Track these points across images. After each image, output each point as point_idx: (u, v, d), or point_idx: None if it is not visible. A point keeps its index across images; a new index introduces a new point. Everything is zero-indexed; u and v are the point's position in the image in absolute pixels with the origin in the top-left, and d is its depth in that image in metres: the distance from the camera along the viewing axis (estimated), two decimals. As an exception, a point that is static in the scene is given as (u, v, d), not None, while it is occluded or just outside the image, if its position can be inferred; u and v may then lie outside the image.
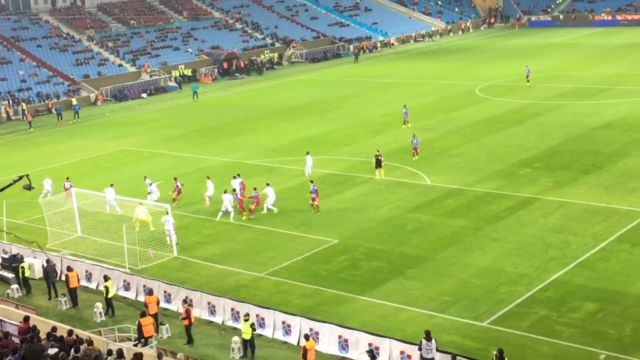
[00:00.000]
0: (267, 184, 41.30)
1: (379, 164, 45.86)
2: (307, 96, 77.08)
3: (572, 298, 29.46)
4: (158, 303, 29.84)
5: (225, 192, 41.13)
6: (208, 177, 44.20)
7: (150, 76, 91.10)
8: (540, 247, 34.41)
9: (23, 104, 79.63)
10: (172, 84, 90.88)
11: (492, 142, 52.82)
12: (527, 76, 73.49)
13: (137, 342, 27.33)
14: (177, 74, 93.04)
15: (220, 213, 40.54)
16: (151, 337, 27.56)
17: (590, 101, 63.81)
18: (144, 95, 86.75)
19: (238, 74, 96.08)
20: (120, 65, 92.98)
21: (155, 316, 28.94)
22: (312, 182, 41.15)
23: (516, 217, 38.28)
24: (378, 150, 46.79)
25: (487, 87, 73.73)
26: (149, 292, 30.14)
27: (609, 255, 33.08)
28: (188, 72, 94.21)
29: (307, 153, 47.84)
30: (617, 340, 26.18)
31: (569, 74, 77.90)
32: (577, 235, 35.43)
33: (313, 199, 40.56)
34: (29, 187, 34.28)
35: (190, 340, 28.28)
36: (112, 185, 43.11)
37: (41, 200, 42.07)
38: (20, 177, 33.40)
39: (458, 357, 23.95)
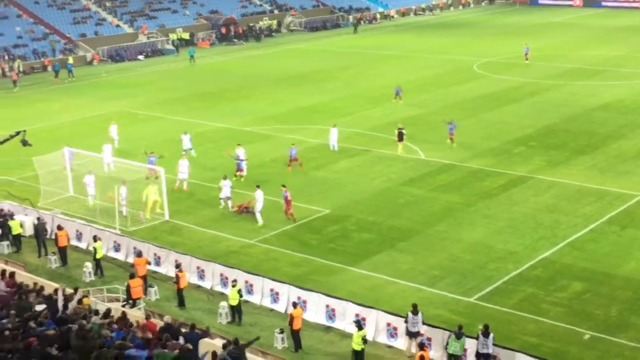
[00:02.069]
0: (258, 186, 36.36)
1: (401, 137, 45.13)
2: (305, 65, 76.71)
3: (560, 277, 29.62)
4: (148, 263, 29.91)
5: (224, 177, 38.10)
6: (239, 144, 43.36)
7: (148, 38, 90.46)
8: (531, 225, 34.51)
9: (18, 60, 79.13)
10: (170, 47, 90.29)
11: (488, 119, 52.76)
12: (525, 54, 73.24)
13: (125, 303, 27.42)
14: (175, 37, 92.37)
15: (222, 202, 37.84)
16: (139, 298, 27.64)
17: (588, 82, 63.68)
18: (140, 57, 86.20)
19: (236, 40, 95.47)
20: (117, 25, 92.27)
21: (144, 278, 29.01)
22: (284, 186, 36.08)
23: (508, 194, 38.35)
24: (401, 124, 46.32)
25: (486, 63, 73.46)
26: (138, 254, 30.20)
27: (599, 237, 33.21)
28: (186, 36, 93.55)
29: (334, 125, 46.96)
30: (602, 321, 26.37)
31: (568, 53, 77.63)
32: (568, 215, 35.54)
33: (287, 209, 35.71)
34: (25, 143, 34.12)
35: (181, 303, 28.36)
36: (113, 142, 42.98)
37: (34, 158, 41.91)
38: (18, 133, 33.25)
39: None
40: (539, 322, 26.44)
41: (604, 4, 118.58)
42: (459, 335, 23.53)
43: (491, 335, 23.25)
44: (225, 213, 37.19)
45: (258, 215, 35.66)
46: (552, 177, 40.65)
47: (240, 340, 22.10)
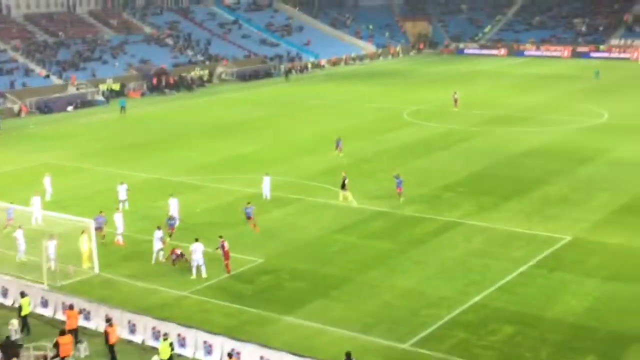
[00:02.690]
0: (196, 240, 35.51)
1: (343, 186, 45.26)
2: (237, 114, 76.91)
3: (491, 321, 30.01)
4: (77, 318, 29.21)
5: (158, 228, 37.53)
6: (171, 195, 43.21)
7: (77, 89, 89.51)
8: (462, 270, 34.99)
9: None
10: (100, 97, 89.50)
11: (418, 166, 53.62)
12: (455, 101, 75.04)
13: (53, 360, 26.67)
14: (105, 88, 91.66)
15: (155, 255, 37.05)
16: (68, 356, 26.91)
17: (514, 128, 65.43)
18: (70, 108, 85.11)
19: (167, 90, 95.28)
20: (46, 76, 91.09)
21: (74, 333, 28.31)
22: (221, 237, 35.74)
23: (439, 240, 38.88)
24: (344, 172, 46.49)
25: (415, 111, 74.88)
26: (70, 307, 29.43)
27: (528, 280, 33.86)
28: (116, 87, 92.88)
29: (266, 174, 46.91)
30: (533, 363, 26.79)
31: (493, 101, 79.75)
32: (497, 259, 36.18)
33: (225, 260, 35.40)
34: None
35: (113, 359, 27.72)
36: (44, 194, 42.26)
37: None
38: None
39: None
40: (472, 367, 26.70)
41: (526, 53, 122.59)
42: None
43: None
44: (158, 265, 36.67)
45: (202, 269, 34.88)
46: (481, 222, 41.42)
47: None
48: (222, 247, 35.17)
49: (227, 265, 35.20)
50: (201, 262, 34.91)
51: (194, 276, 34.91)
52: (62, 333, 27.26)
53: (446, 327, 29.71)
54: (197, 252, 34.98)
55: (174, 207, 42.12)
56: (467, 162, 54.01)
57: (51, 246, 35.56)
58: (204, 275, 34.82)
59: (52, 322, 30.89)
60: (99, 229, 38.39)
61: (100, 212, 40.40)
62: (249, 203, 41.91)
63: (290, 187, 48.79)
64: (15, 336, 29.74)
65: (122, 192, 44.93)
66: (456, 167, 52.92)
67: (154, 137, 67.11)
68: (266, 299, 32.58)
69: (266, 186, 46.28)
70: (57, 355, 26.68)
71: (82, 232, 36.47)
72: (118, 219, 39.93)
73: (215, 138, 65.66)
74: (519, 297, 32.18)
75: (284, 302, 32.20)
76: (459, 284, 33.54)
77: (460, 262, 35.93)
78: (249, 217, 41.20)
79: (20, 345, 27.75)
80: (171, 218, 40.64)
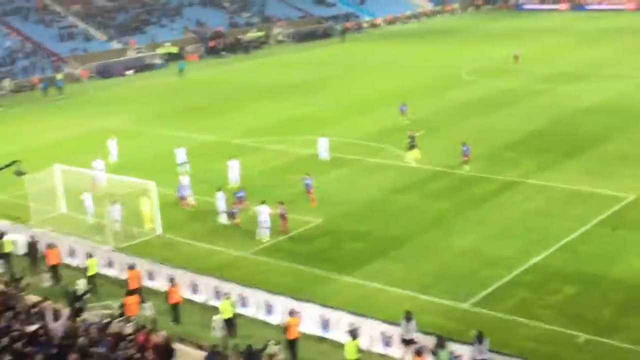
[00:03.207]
0: (263, 202, 35.70)
1: (412, 145, 45.02)
2: (293, 76, 76.89)
3: (552, 281, 29.74)
4: (140, 278, 29.81)
5: (219, 189, 38.21)
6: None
7: (136, 53, 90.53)
8: (522, 230, 34.64)
9: (6, 79, 79.09)
10: (158, 61, 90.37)
11: (477, 125, 52.96)
12: (515, 57, 73.88)
13: (119, 319, 27.33)
14: (163, 52, 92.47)
15: (224, 215, 37.68)
16: (133, 315, 27.58)
17: (575, 85, 64.05)
18: (129, 72, 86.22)
19: (224, 53, 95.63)
20: (106, 41, 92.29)
21: (138, 291, 28.93)
22: (281, 203, 35.60)
23: (499, 200, 38.50)
24: (411, 130, 46.23)
25: (474, 69, 73.78)
26: (131, 267, 30.06)
27: (589, 239, 33.38)
28: (174, 50, 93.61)
29: (323, 135, 46.77)
30: (595, 323, 26.46)
31: (554, 57, 78.05)
32: (558, 218, 35.69)
33: (282, 225, 35.61)
34: (20, 173, 34.13)
35: (176, 318, 28.32)
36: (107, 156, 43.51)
37: (25, 177, 41.82)
38: (12, 163, 33.24)
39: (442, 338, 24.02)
40: (533, 327, 26.52)
41: (588, 7, 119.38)
42: (442, 346, 23.61)
43: (486, 340, 23.34)
44: (218, 226, 37.18)
45: (266, 231, 35.16)
46: (542, 180, 40.85)
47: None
48: (282, 213, 35.28)
49: (284, 227, 35.44)
50: (267, 224, 35.22)
51: (260, 237, 35.16)
52: (129, 294, 27.98)
53: (506, 287, 29.54)
54: (263, 214, 35.25)
55: (234, 169, 42.49)
56: (527, 120, 53.15)
57: (115, 210, 36.37)
58: (267, 237, 35.13)
59: (117, 282, 31.65)
60: (239, 201, 37.64)
61: (240, 189, 39.51)
62: (307, 174, 39.96)
63: (348, 147, 48.75)
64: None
65: (180, 155, 45.48)
66: (516, 125, 52.13)
67: (212, 99, 67.61)
68: (325, 259, 32.78)
69: (322, 147, 46.32)
70: (122, 315, 27.36)
71: (142, 194, 37.12)
72: (186, 182, 40.32)
73: (272, 100, 65.83)
74: (581, 256, 31.77)
75: (343, 263, 32.38)
76: (519, 243, 33.24)
77: (520, 222, 35.56)
78: (308, 190, 39.25)
79: (84, 299, 28.63)
80: (239, 191, 38.77)
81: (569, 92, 61.76)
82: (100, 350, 21.47)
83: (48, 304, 25.79)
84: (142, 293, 29.31)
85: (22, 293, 27.05)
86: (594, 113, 54.52)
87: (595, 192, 38.69)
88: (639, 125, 50.76)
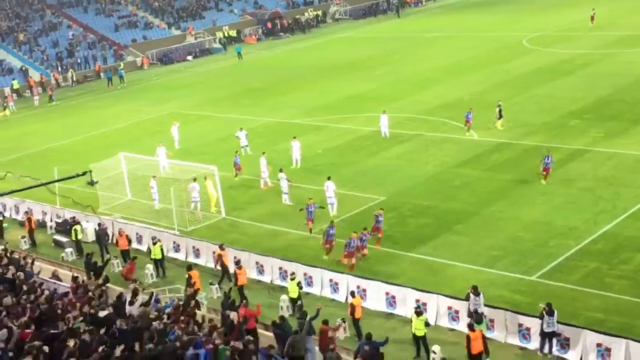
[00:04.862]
0: (329, 177, 35.74)
1: (500, 114, 44.59)
2: (352, 53, 76.53)
3: (623, 250, 29.05)
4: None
5: (281, 170, 38.19)
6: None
7: (195, 38, 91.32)
8: (591, 199, 33.88)
9: (71, 70, 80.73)
10: (217, 45, 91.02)
11: (540, 94, 51.89)
12: (592, 17, 73.82)
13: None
14: (222, 36, 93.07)
15: (286, 195, 37.65)
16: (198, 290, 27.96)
17: (642, 49, 62.14)
18: (189, 57, 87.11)
19: (282, 34, 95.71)
20: (165, 28, 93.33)
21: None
22: (381, 209, 32.60)
23: (565, 169, 37.68)
24: (500, 101, 45.75)
25: (535, 37, 72.20)
26: (189, 268, 29.92)
27: (661, 206, 32.48)
28: (233, 33, 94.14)
29: (384, 111, 46.48)
30: (669, 292, 25.84)
31: (618, 21, 75.63)
32: (627, 186, 34.79)
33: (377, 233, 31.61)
34: (91, 183, 34.97)
35: (243, 299, 28.61)
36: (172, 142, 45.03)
37: (91, 165, 42.71)
38: (84, 173, 33.99)
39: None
40: (604, 297, 25.98)
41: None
42: (418, 313, 23.77)
43: (555, 313, 22.97)
44: (282, 207, 37.35)
45: (334, 207, 35.13)
46: (609, 148, 39.86)
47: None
48: (378, 221, 31.67)
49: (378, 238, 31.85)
50: (333, 200, 35.23)
51: (333, 213, 35.05)
52: (190, 268, 28.97)
53: (575, 257, 28.98)
54: (329, 190, 35.31)
55: (296, 149, 42.58)
56: (593, 88, 51.80)
57: (194, 189, 37.00)
58: (334, 212, 35.09)
59: (184, 265, 32.09)
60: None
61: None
62: (381, 209, 32.77)
63: (409, 123, 48.38)
64: (152, 279, 31.24)
65: (242, 138, 45.80)
66: (581, 93, 50.88)
67: (272, 81, 67.81)
68: (389, 236, 32.60)
69: (384, 123, 46.05)
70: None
71: (205, 178, 37.51)
72: (263, 164, 40.31)
73: (332, 78, 65.66)
74: (652, 224, 30.97)
75: (407, 239, 32.21)
76: (587, 213, 32.52)
77: (588, 191, 34.78)
78: (377, 228, 31.82)
79: (102, 267, 30.67)
80: (309, 206, 33.84)
81: (636, 56, 59.90)
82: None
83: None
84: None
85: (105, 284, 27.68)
86: (662, 77, 52.84)
87: (666, 158, 37.61)
88: None
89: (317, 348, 22.93)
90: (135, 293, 25.74)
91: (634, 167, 37.08)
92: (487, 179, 37.88)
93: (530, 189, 35.81)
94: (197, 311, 25.52)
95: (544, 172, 36.04)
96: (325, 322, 23.37)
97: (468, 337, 22.41)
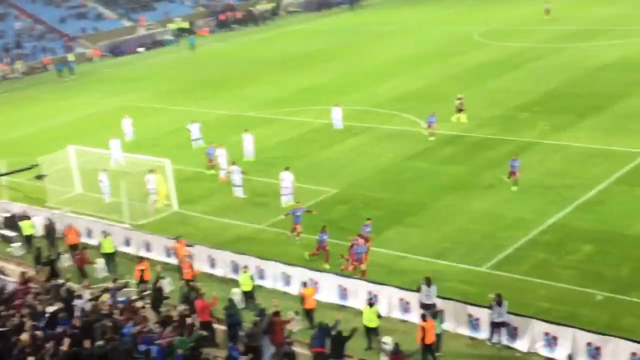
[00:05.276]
0: (287, 168, 36.07)
1: (461, 108, 44.78)
2: (306, 46, 76.51)
3: (570, 240, 29.57)
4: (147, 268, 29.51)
5: (233, 163, 38.24)
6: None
7: (147, 30, 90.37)
8: (539, 191, 34.40)
9: (19, 61, 79.32)
10: (169, 37, 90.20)
11: (490, 88, 52.52)
12: (547, 10, 74.94)
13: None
14: (174, 27, 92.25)
15: (239, 189, 37.56)
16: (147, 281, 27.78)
17: (591, 43, 63.16)
18: (140, 49, 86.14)
19: (235, 26, 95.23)
20: (116, 19, 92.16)
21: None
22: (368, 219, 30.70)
23: (515, 162, 38.15)
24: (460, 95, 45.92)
25: (486, 32, 72.97)
26: (140, 260, 29.73)
27: (608, 197, 33.11)
28: (185, 25, 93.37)
29: (337, 104, 46.71)
30: (614, 281, 26.33)
31: (569, 15, 76.86)
32: (576, 178, 35.41)
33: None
34: (40, 177, 34.60)
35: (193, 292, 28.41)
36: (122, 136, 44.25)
37: (40, 158, 42.11)
38: (32, 166, 33.55)
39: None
40: (551, 287, 26.42)
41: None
42: (370, 305, 24.00)
43: (504, 303, 23.30)
44: (234, 200, 37.23)
45: (289, 198, 35.29)
46: (558, 141, 40.51)
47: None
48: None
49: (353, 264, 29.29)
50: (290, 191, 35.28)
51: (283, 204, 35.13)
52: (140, 260, 28.91)
53: (524, 248, 29.42)
54: (286, 181, 35.32)
55: (248, 142, 42.48)
56: (542, 81, 52.56)
57: (150, 181, 36.68)
58: (286, 204, 35.13)
59: (135, 259, 31.77)
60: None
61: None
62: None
63: (363, 115, 48.56)
64: (102, 274, 30.88)
65: (194, 130, 45.53)
66: (530, 86, 51.60)
67: (225, 73, 67.47)
68: (342, 228, 32.62)
69: (337, 116, 46.15)
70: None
71: (151, 171, 37.16)
72: (221, 155, 40.12)
73: (286, 71, 65.57)
74: (599, 215, 31.54)
75: (359, 231, 32.24)
76: (536, 204, 33.03)
77: (537, 183, 35.28)
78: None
79: (51, 262, 29.85)
80: (297, 211, 32.38)
81: (585, 49, 60.92)
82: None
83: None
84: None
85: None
86: (610, 70, 53.76)
87: (612, 150, 38.33)
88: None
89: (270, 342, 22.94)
90: (85, 288, 25.47)
91: (581, 159, 37.75)
92: (438, 171, 38.23)
93: (480, 181, 36.24)
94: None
95: (513, 177, 34.75)
96: (277, 314, 23.40)
97: (422, 328, 22.60)
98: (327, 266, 29.24)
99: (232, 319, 23.75)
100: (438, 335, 23.09)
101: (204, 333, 22.61)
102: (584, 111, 44.97)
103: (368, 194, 36.29)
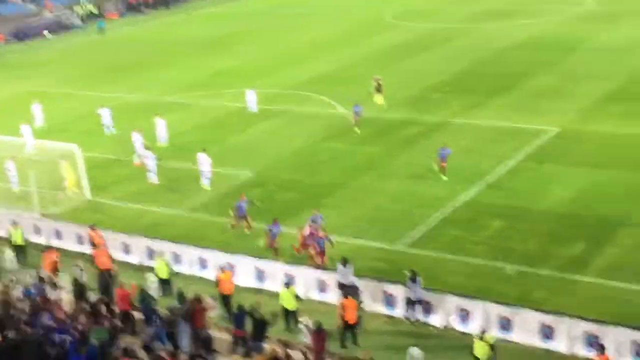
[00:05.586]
0: (204, 149, 35.85)
1: (379, 89, 44.59)
2: (217, 29, 75.72)
3: (481, 217, 30.33)
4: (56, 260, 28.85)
5: (147, 148, 37.80)
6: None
7: (51, 12, 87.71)
8: (452, 169, 34.93)
9: None
10: (77, 21, 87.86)
11: (403, 68, 53.15)
12: None
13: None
14: (81, 11, 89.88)
15: (153, 174, 36.87)
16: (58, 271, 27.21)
17: (501, 23, 64.59)
18: (46, 33, 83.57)
19: (145, 9, 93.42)
20: (19, 3, 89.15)
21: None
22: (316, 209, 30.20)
23: (428, 141, 38.80)
24: (378, 76, 45.76)
25: (399, 13, 73.69)
26: (47, 249, 29.07)
27: (517, 174, 34.07)
28: (92, 9, 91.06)
29: (251, 88, 46.50)
30: (522, 255, 27.18)
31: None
32: (486, 156, 36.27)
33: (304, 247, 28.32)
34: None
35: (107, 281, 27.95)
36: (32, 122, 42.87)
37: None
38: None
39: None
40: (465, 263, 27.09)
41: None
42: (287, 286, 24.18)
43: (419, 279, 23.72)
44: (150, 185, 36.69)
45: (205, 181, 35.31)
46: (469, 119, 41.37)
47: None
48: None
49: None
50: (208, 174, 35.07)
51: (206, 187, 35.15)
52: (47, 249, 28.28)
53: (439, 226, 30.04)
54: (204, 164, 35.17)
55: (161, 127, 41.89)
56: (452, 62, 53.53)
57: (63, 166, 35.76)
58: (208, 186, 35.15)
59: (44, 248, 30.98)
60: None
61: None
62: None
63: (277, 98, 48.47)
64: (11, 265, 30.02)
65: (105, 116, 44.62)
66: (441, 67, 52.49)
67: (136, 57, 66.20)
68: (257, 211, 32.61)
69: (251, 99, 45.95)
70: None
71: (62, 158, 36.25)
72: (137, 139, 39.49)
73: (199, 54, 64.79)
74: (508, 191, 32.43)
75: (275, 214, 31.93)
76: (449, 182, 33.69)
77: (450, 161, 35.85)
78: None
79: None
80: (241, 203, 31.35)
81: (494, 30, 62.30)
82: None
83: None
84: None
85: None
86: (521, 49, 55.23)
87: (521, 128, 39.40)
88: (562, 59, 51.67)
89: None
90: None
91: (491, 137, 38.68)
92: (353, 152, 38.55)
93: (395, 161, 36.74)
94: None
95: (442, 165, 34.32)
96: (198, 300, 23.19)
97: (342, 305, 22.80)
98: (280, 259, 27.80)
99: (146, 306, 23.38)
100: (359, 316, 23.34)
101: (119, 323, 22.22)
102: (493, 90, 46.02)
103: (283, 177, 36.32)
